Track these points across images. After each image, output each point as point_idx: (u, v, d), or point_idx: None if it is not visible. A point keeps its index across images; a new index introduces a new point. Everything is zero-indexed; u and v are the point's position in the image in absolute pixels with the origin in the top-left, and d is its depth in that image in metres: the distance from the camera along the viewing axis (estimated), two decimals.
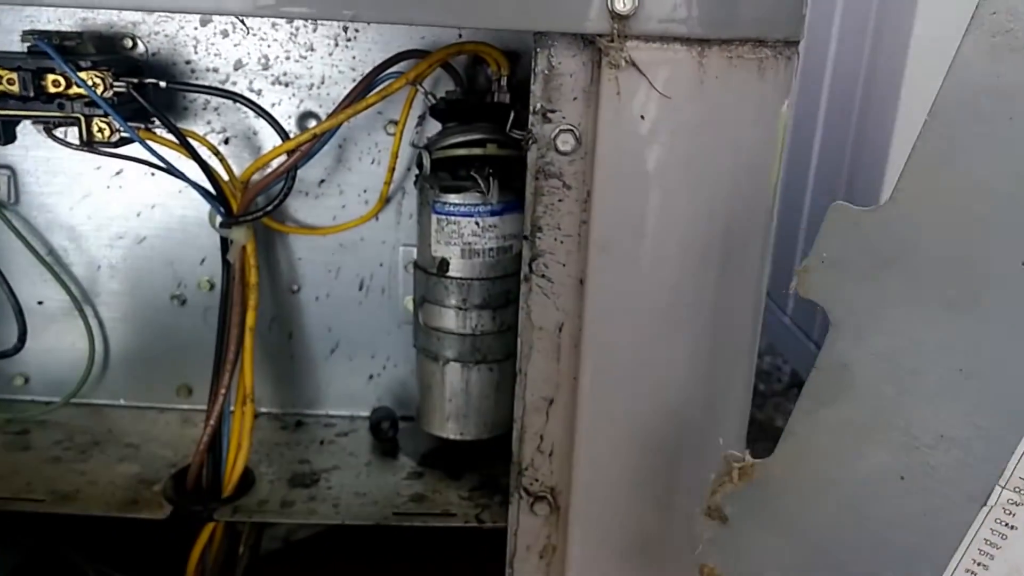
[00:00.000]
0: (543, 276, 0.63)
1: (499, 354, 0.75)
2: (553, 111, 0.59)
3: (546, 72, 0.58)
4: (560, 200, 0.61)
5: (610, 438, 0.64)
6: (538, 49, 0.57)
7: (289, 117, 0.78)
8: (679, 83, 0.56)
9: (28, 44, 0.67)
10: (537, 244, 0.62)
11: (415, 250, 0.81)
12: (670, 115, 0.57)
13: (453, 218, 0.71)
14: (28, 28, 0.69)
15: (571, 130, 0.59)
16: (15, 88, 0.66)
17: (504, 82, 0.73)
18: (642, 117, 0.57)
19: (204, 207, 0.78)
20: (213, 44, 0.76)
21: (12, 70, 0.65)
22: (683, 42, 0.56)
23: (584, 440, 0.64)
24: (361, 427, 0.85)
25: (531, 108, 0.59)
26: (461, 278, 0.72)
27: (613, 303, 0.61)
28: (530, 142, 0.60)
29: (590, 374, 0.62)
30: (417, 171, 0.74)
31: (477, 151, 0.70)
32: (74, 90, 0.66)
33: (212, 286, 0.83)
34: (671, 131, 0.57)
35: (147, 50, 0.76)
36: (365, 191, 0.81)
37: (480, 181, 0.68)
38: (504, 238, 0.72)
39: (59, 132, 0.68)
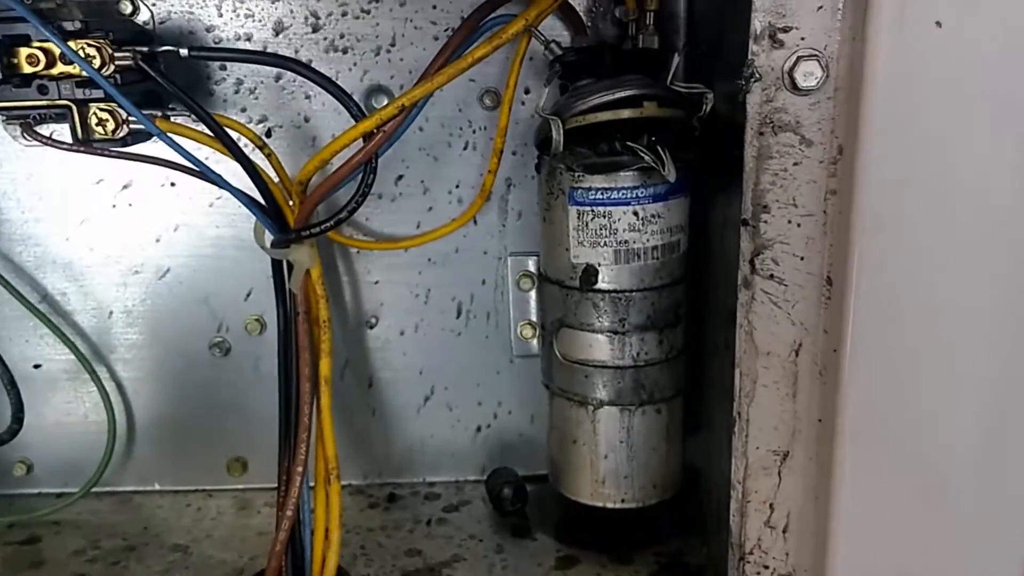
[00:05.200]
0: (771, 277, 0.43)
1: (669, 390, 0.55)
2: (787, 29, 0.39)
3: None
4: (796, 164, 0.41)
5: (883, 503, 0.44)
6: None
7: (352, 95, 0.58)
8: None
9: None
10: (762, 231, 0.42)
11: (530, 260, 0.61)
12: (986, 21, 0.37)
13: (602, 208, 0.51)
14: None
15: (815, 56, 0.39)
16: None
17: (650, 20, 0.53)
18: (938, 24, 0.37)
19: (246, 223, 0.58)
20: (243, 2, 0.56)
21: None
22: None
23: (843, 508, 0.44)
24: (474, 496, 0.65)
25: (751, 31, 0.39)
26: (616, 291, 0.52)
27: (885, 307, 0.41)
28: (751, 80, 0.40)
29: (852, 412, 0.43)
30: (540, 151, 0.54)
31: (629, 113, 0.50)
32: (60, 68, 0.46)
33: (263, 327, 0.63)
34: (987, 46, 0.38)
35: (153, 16, 0.56)
36: (457, 186, 0.61)
37: (644, 153, 0.49)
38: (670, 231, 0.52)
39: (42, 130, 0.48)
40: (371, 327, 0.63)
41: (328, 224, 0.53)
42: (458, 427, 0.65)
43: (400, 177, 0.60)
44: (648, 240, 0.51)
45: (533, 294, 0.61)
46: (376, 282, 0.63)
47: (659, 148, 0.48)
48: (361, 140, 0.52)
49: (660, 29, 0.54)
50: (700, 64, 0.55)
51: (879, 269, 0.41)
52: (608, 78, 0.51)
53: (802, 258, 0.42)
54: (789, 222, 0.42)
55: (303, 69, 0.51)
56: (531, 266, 0.61)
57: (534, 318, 0.62)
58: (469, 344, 0.64)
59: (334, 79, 0.57)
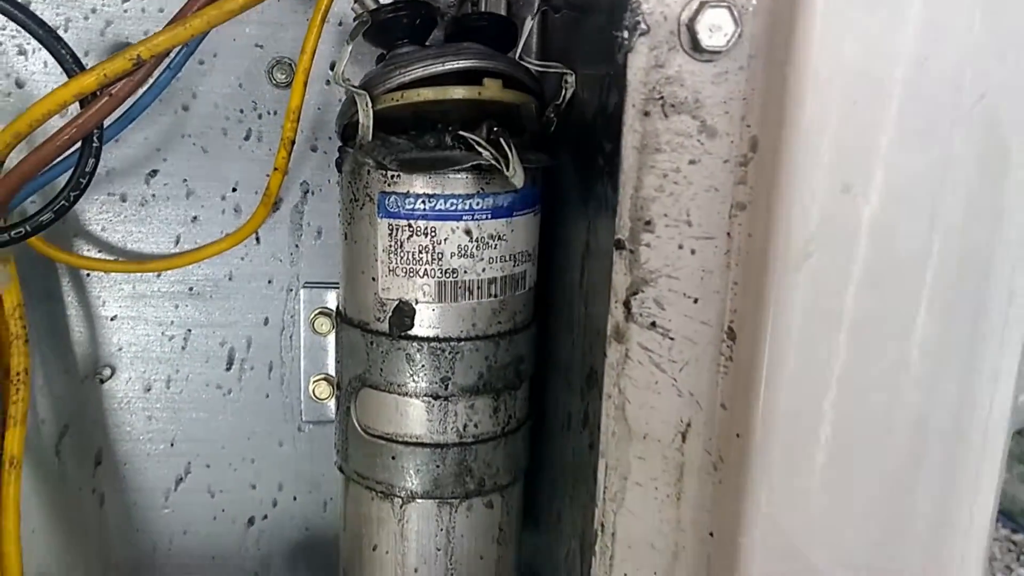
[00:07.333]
0: (653, 326, 0.30)
1: (504, 476, 0.41)
2: None
3: None
4: (693, 162, 0.29)
5: None
6: None
7: (84, 52, 0.42)
8: None
9: None
10: (643, 258, 0.29)
11: (331, 294, 0.46)
12: None
13: (423, 223, 0.36)
14: None
15: (724, 3, 0.27)
16: None
17: None
18: None
19: None
20: None
21: None
22: None
23: None
24: None
25: None
26: (438, 338, 0.38)
27: (811, 374, 0.29)
28: (635, 33, 0.27)
29: (759, 525, 0.30)
30: (343, 140, 0.40)
31: (464, 92, 0.36)
32: None
33: None
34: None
35: None
36: (235, 190, 0.45)
37: (483, 147, 0.35)
38: (515, 260, 0.38)
39: None
40: (103, 380, 0.46)
41: (22, 230, 0.37)
42: (223, 519, 0.48)
43: (153, 173, 0.44)
44: (484, 270, 0.37)
45: (333, 339, 0.46)
46: (113, 317, 0.45)
47: (503, 142, 0.35)
48: (78, 106, 0.36)
49: None
50: (558, 36, 0.42)
51: (805, 318, 0.28)
52: (435, 45, 0.38)
53: (696, 300, 0.30)
54: (680, 247, 0.29)
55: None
56: (332, 302, 0.46)
57: (333, 372, 0.46)
58: (242, 406, 0.47)
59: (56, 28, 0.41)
